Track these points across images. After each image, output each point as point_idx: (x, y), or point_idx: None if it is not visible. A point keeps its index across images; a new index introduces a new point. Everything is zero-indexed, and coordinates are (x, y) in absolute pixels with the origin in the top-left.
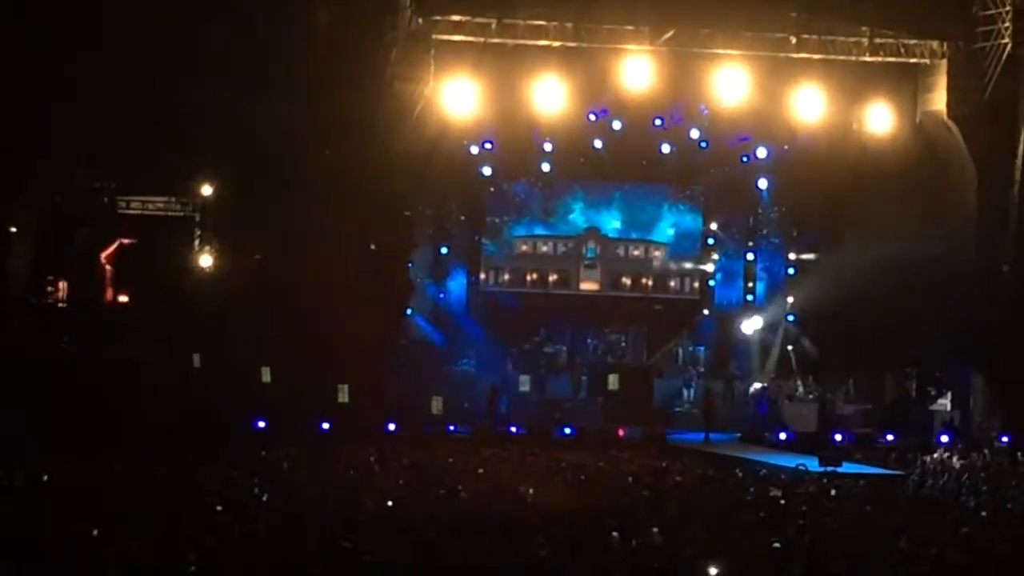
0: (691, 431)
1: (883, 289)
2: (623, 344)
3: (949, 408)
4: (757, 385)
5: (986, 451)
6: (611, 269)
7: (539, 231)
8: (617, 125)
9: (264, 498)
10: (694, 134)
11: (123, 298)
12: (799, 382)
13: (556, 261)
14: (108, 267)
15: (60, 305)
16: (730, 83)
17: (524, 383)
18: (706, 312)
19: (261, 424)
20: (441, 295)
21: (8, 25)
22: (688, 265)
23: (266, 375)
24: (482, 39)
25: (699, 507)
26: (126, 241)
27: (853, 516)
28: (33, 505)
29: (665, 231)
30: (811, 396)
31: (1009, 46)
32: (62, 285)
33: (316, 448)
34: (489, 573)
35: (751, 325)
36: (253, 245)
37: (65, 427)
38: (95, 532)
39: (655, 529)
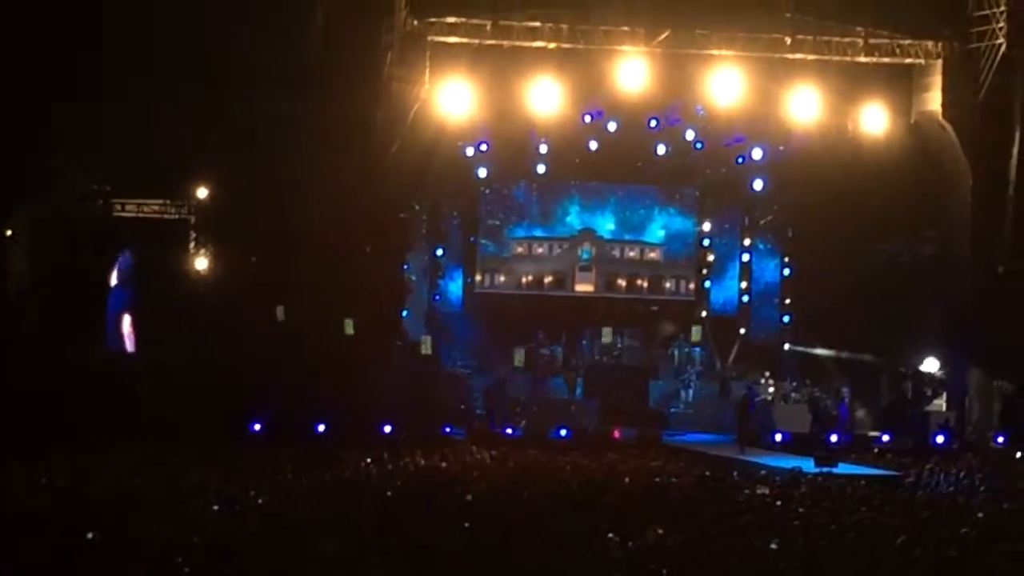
0: (688, 432)
1: (878, 289)
2: (619, 345)
3: (945, 409)
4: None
5: (982, 451)
6: (606, 271)
7: (537, 233)
8: (612, 126)
9: (260, 501)
10: (689, 135)
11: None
12: (793, 383)
13: (551, 262)
14: None
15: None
16: (725, 84)
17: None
18: (703, 313)
19: (257, 427)
20: (436, 297)
21: (4, 27)
22: (683, 266)
23: (349, 327)
24: (477, 40)
25: (695, 508)
26: None
27: (849, 517)
28: (38, 506)
29: (657, 233)
30: (804, 398)
31: (1004, 46)
32: None
33: (312, 450)
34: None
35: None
36: (248, 248)
37: (72, 428)
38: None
39: (658, 531)
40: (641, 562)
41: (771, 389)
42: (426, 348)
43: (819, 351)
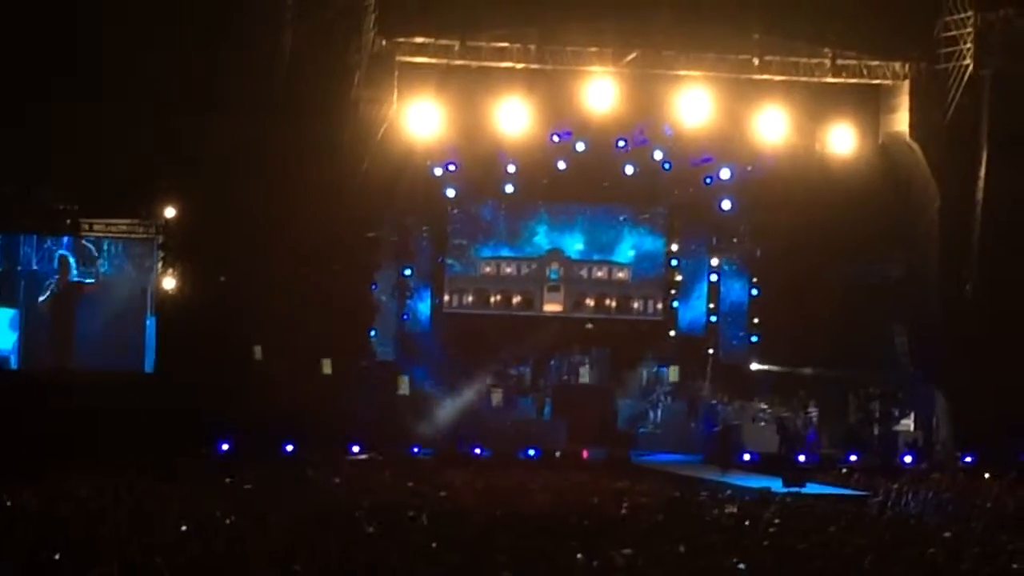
0: (656, 452)
1: (845, 309)
2: (587, 365)
3: (912, 428)
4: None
5: (950, 471)
6: (574, 291)
7: (505, 253)
8: (581, 146)
9: (227, 521)
10: (657, 155)
11: None
12: (761, 403)
13: (520, 282)
14: None
15: None
16: (693, 104)
17: None
18: (671, 333)
19: (225, 447)
20: (405, 316)
21: None
22: (651, 286)
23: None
24: (445, 61)
25: (664, 528)
26: None
27: (817, 537)
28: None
29: (626, 253)
30: (772, 418)
31: (971, 67)
32: None
33: (280, 470)
34: None
35: None
36: (216, 267)
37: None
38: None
39: (624, 551)
40: None
41: (742, 411)
42: (403, 389)
43: (787, 371)
